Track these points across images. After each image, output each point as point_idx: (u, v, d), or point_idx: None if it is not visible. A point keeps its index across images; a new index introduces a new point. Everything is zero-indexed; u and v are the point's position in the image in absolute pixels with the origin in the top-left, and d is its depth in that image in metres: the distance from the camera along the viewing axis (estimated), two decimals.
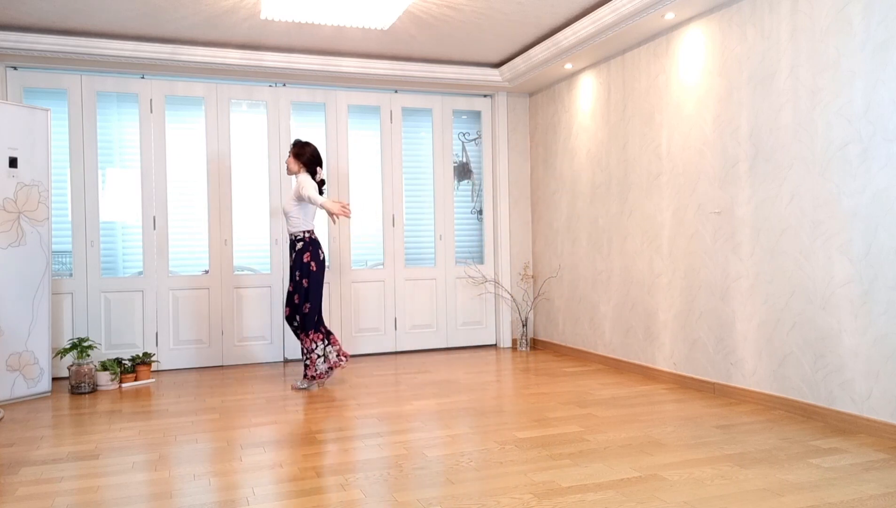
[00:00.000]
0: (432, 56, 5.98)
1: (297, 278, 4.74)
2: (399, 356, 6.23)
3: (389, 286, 6.40)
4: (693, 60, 4.60)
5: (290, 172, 4.86)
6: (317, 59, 5.78)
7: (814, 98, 3.73)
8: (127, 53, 5.30)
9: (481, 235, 6.79)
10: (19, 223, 4.72)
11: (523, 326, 6.57)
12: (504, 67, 6.21)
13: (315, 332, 4.76)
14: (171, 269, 5.81)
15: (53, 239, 5.34)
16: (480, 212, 6.78)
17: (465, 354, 6.30)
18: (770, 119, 4.01)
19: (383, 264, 6.41)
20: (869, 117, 3.43)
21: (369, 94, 6.34)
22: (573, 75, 5.98)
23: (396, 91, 6.42)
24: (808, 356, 3.78)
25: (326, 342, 4.82)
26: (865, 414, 3.47)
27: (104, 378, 5.05)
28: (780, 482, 2.79)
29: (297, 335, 4.84)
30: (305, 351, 4.78)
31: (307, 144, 4.88)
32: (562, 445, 3.35)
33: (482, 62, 6.21)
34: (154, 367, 5.67)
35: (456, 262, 6.64)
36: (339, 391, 4.79)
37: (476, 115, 6.79)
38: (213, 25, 5.05)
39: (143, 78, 5.70)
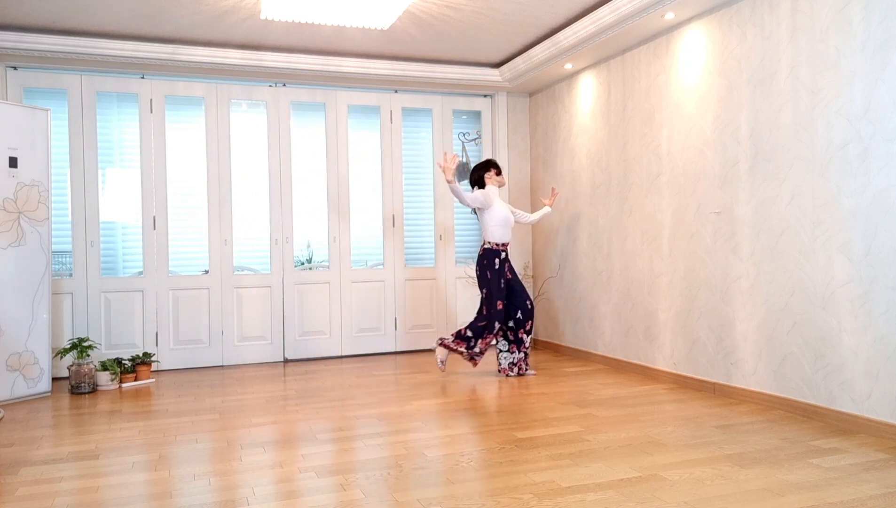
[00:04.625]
0: (432, 56, 5.98)
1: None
2: (399, 356, 6.23)
3: (389, 286, 6.40)
4: (693, 60, 4.60)
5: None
6: (317, 59, 5.79)
7: (814, 98, 3.73)
8: (127, 53, 5.30)
9: (481, 235, 6.77)
10: (19, 223, 4.73)
11: None
12: (504, 67, 6.21)
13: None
14: (171, 269, 5.81)
15: (53, 239, 5.34)
16: None
17: None
18: (770, 119, 4.01)
19: (383, 264, 6.41)
20: (869, 117, 3.43)
21: (369, 94, 6.34)
22: (573, 75, 5.98)
23: (396, 91, 6.42)
24: (808, 356, 3.78)
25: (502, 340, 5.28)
26: (865, 414, 3.47)
27: (104, 378, 5.05)
28: (780, 482, 2.79)
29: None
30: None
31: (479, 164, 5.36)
32: (562, 445, 3.35)
33: (482, 62, 6.21)
34: (154, 367, 5.67)
35: (456, 262, 6.64)
36: (340, 391, 4.79)
37: (476, 115, 6.79)
38: (213, 25, 5.05)
39: (143, 78, 5.70)
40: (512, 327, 5.21)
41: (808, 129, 3.76)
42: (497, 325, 5.05)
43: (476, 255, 6.78)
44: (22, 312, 4.72)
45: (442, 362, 5.15)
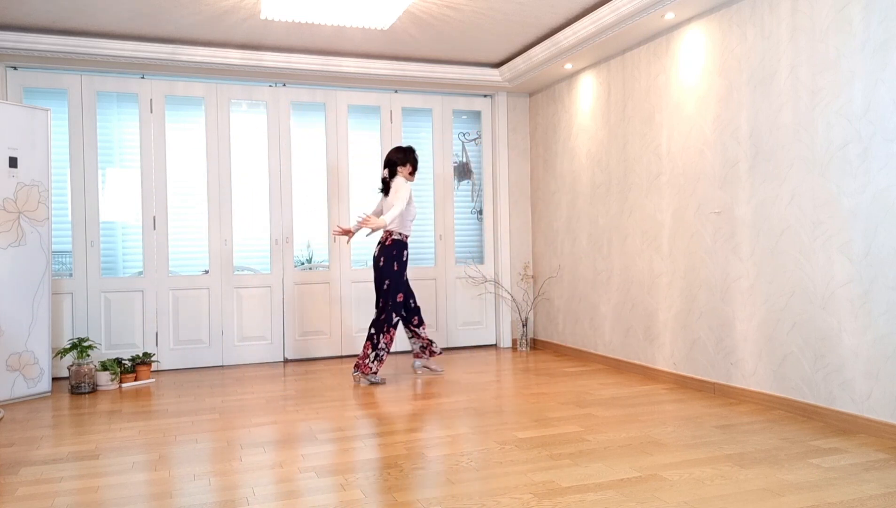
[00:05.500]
0: (432, 56, 5.98)
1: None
2: (399, 356, 6.23)
3: None
4: (693, 60, 4.60)
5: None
6: (317, 59, 5.79)
7: (814, 98, 3.73)
8: (127, 53, 5.30)
9: (481, 235, 6.78)
10: (19, 223, 4.73)
11: (523, 326, 6.57)
12: (504, 67, 6.21)
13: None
14: (171, 269, 5.81)
15: (53, 239, 5.34)
16: (480, 212, 6.78)
17: (465, 354, 6.30)
18: (770, 119, 4.01)
19: None
20: (869, 117, 3.43)
21: (369, 94, 6.34)
22: (573, 75, 5.98)
23: (396, 91, 6.42)
24: (808, 356, 3.78)
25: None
26: (865, 414, 3.47)
27: (104, 378, 5.05)
28: (780, 482, 2.79)
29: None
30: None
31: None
32: (562, 445, 3.35)
33: (482, 62, 6.21)
34: (154, 367, 5.67)
35: (456, 262, 6.64)
36: (340, 391, 4.79)
37: (476, 115, 6.79)
38: (213, 25, 5.05)
39: (143, 78, 5.70)
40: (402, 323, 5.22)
41: (808, 129, 3.76)
42: (395, 317, 4.95)
43: (475, 254, 6.78)
44: (22, 312, 4.72)
45: (371, 380, 4.98)
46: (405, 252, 4.98)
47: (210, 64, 5.56)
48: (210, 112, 5.88)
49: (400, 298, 4.96)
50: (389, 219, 4.72)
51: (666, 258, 4.88)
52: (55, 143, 5.46)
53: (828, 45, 3.64)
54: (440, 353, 5.31)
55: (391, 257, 4.92)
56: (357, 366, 4.99)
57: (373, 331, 4.96)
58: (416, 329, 5.20)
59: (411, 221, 5.00)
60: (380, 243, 5.00)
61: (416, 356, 5.32)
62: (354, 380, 5.08)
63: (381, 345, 4.92)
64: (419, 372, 5.27)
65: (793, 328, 3.87)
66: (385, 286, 4.93)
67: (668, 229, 4.85)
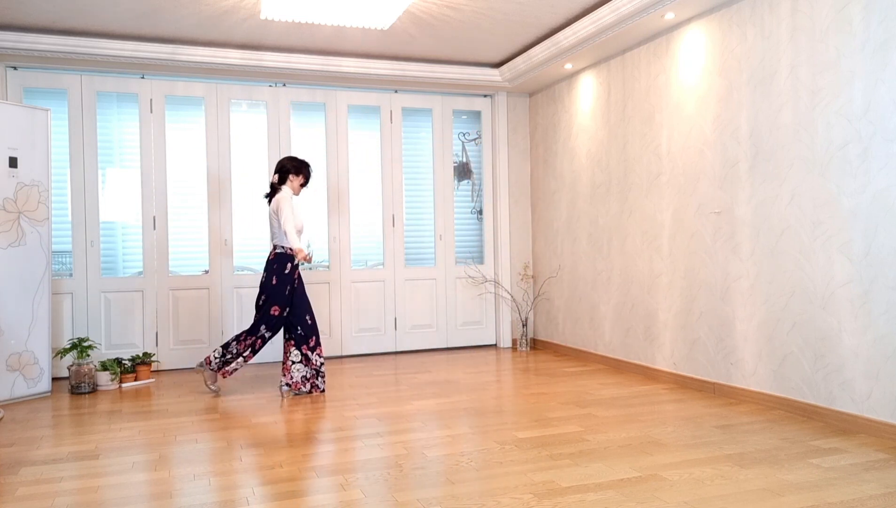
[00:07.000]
0: (432, 56, 5.98)
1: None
2: (399, 356, 6.23)
3: (389, 286, 6.40)
4: (693, 60, 4.60)
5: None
6: (317, 59, 5.79)
7: (814, 98, 3.73)
8: (127, 53, 5.30)
9: (481, 235, 6.79)
10: (19, 223, 4.73)
11: (523, 326, 6.57)
12: (504, 67, 6.21)
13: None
14: (171, 269, 5.81)
15: (53, 239, 5.34)
16: (480, 212, 6.78)
17: (465, 354, 6.30)
18: (770, 119, 4.01)
19: (383, 264, 6.41)
20: (869, 117, 3.43)
21: (369, 94, 6.34)
22: (573, 75, 5.98)
23: (396, 91, 6.42)
24: (808, 356, 3.78)
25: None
26: (865, 414, 3.47)
27: (104, 378, 5.05)
28: (780, 482, 2.79)
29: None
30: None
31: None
32: (562, 445, 3.35)
33: (482, 62, 6.21)
34: (154, 367, 5.67)
35: (456, 262, 6.64)
36: (340, 391, 4.79)
37: (476, 115, 6.79)
38: (213, 25, 5.05)
39: (143, 78, 5.70)
40: (294, 341, 4.68)
41: (808, 129, 3.76)
42: (264, 330, 4.59)
43: (475, 254, 6.78)
44: (22, 312, 4.72)
45: (210, 385, 4.70)
46: (288, 265, 4.61)
47: (210, 64, 5.56)
48: (210, 112, 5.88)
49: (275, 311, 4.58)
50: (293, 241, 4.53)
51: (666, 258, 4.88)
52: (55, 143, 5.46)
53: (828, 45, 3.64)
54: (316, 390, 4.72)
55: (271, 271, 4.59)
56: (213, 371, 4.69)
57: (231, 340, 4.65)
58: (309, 354, 4.68)
59: (298, 233, 4.63)
60: (267, 259, 4.68)
61: (296, 386, 4.69)
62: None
63: (235, 349, 4.60)
64: (285, 394, 4.69)
65: (793, 328, 3.87)
66: (262, 301, 4.61)
67: (668, 229, 4.85)
